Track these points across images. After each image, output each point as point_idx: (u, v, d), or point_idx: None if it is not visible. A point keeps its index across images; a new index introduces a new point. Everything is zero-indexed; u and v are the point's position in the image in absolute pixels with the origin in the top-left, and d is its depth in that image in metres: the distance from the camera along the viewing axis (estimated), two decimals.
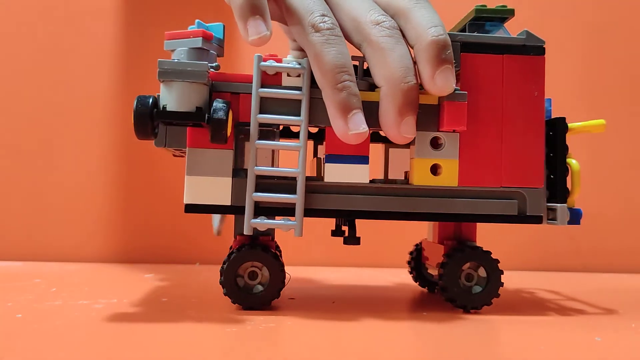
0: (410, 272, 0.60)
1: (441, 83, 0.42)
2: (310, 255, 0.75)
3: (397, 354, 0.34)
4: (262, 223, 0.43)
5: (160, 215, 0.76)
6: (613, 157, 0.83)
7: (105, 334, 0.37)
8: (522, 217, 0.46)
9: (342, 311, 0.46)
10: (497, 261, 0.47)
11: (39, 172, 0.75)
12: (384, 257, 0.76)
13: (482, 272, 0.47)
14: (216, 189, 0.43)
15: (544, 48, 0.46)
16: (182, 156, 0.53)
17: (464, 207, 0.45)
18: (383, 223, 0.66)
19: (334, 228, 0.54)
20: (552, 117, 0.48)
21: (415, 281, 0.59)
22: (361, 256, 0.75)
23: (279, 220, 0.43)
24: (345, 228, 0.52)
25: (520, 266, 0.77)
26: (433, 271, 0.55)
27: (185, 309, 0.44)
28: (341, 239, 0.51)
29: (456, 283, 0.46)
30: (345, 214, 0.45)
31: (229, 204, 0.43)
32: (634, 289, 0.65)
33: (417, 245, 0.59)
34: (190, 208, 0.43)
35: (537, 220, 0.47)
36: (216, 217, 0.51)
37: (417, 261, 0.59)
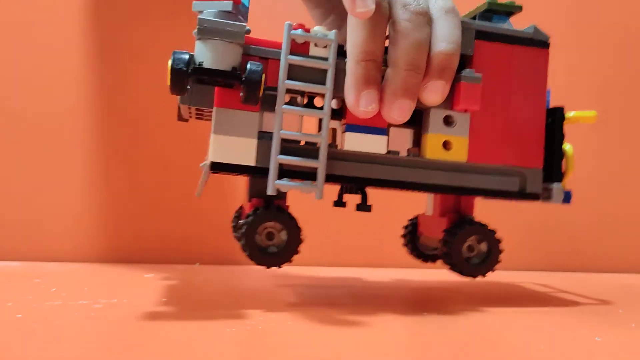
0: (405, 245, 0.62)
1: (428, 95, 0.44)
2: (310, 255, 0.75)
3: (397, 353, 0.34)
4: (286, 185, 0.44)
5: (161, 216, 0.76)
6: (614, 158, 0.83)
7: (105, 334, 0.37)
8: (522, 194, 0.50)
9: (342, 311, 0.46)
10: (499, 240, 0.50)
11: (38, 171, 0.75)
12: (384, 257, 0.76)
13: (483, 246, 0.50)
14: (241, 149, 0.44)
15: (549, 43, 0.50)
16: (185, 121, 0.52)
17: (471, 181, 0.48)
18: (383, 223, 0.67)
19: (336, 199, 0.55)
20: (551, 107, 0.52)
21: (410, 253, 0.62)
22: (361, 256, 0.75)
23: (301, 183, 0.44)
24: (346, 199, 0.54)
25: (520, 266, 0.77)
26: (430, 243, 0.58)
27: (185, 309, 0.44)
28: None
29: (458, 251, 0.50)
30: (361, 181, 0.47)
31: (254, 164, 0.44)
32: (634, 289, 0.65)
33: (412, 219, 0.62)
34: (217, 166, 0.44)
35: (535, 197, 0.50)
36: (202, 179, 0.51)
37: (412, 234, 0.61)
